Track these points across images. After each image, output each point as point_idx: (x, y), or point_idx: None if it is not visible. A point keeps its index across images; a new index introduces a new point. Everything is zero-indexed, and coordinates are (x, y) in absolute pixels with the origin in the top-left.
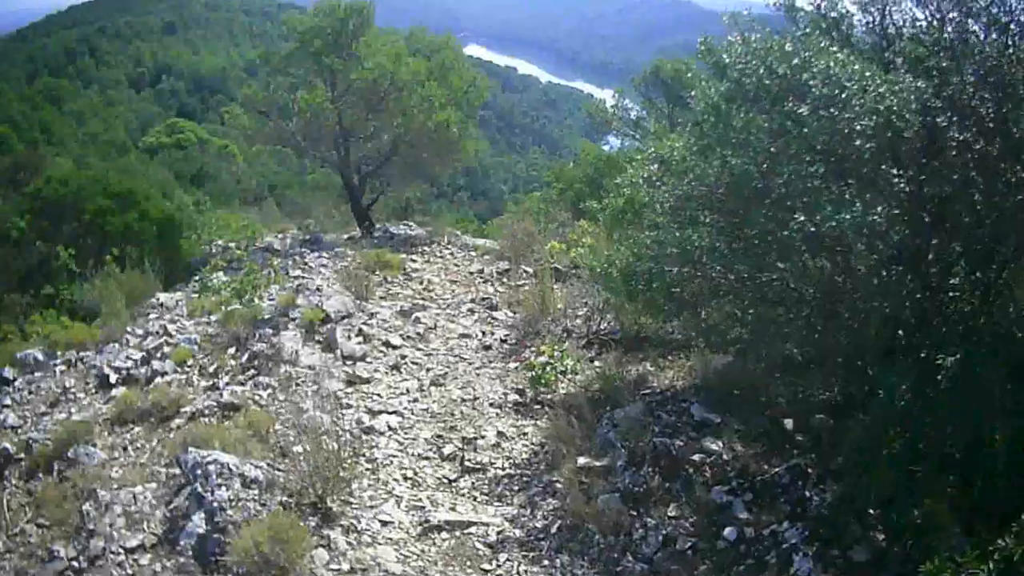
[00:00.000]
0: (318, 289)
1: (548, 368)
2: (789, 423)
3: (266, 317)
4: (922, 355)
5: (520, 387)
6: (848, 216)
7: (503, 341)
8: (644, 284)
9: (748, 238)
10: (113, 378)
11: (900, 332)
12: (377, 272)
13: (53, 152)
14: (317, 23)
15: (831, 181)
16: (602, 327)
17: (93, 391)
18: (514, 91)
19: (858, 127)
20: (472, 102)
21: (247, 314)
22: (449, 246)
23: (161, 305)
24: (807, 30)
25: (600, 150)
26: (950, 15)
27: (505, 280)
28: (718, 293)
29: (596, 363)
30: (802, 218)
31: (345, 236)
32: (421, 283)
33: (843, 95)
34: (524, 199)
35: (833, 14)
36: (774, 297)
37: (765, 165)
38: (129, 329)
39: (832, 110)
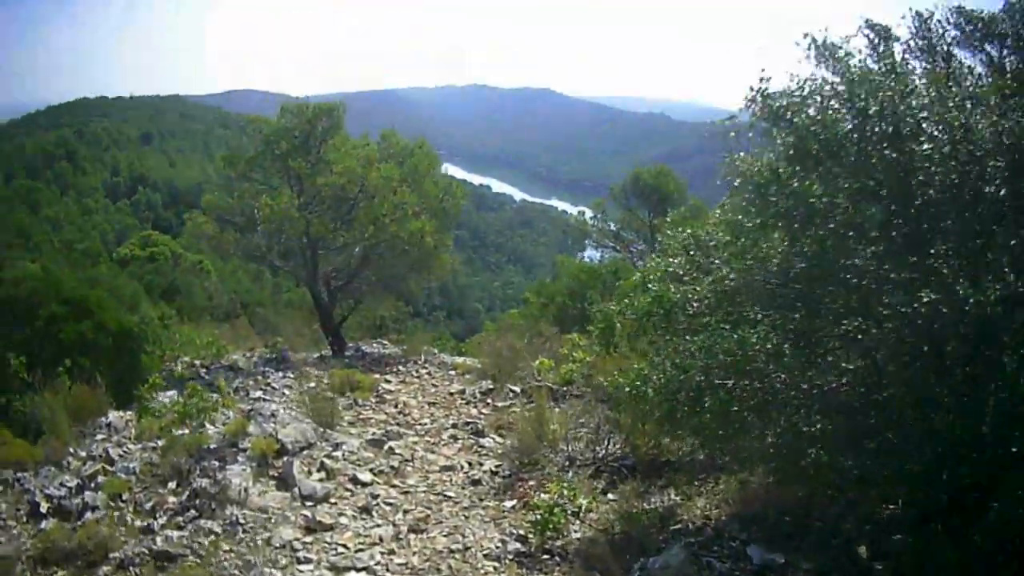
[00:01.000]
0: (273, 415)
1: (556, 509)
2: (862, 549)
3: (212, 447)
4: None
5: (522, 532)
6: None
7: (494, 473)
8: (690, 404)
9: (818, 336)
10: (44, 507)
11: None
12: (347, 394)
13: (29, 257)
14: (283, 125)
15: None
16: (610, 452)
17: (24, 519)
18: (488, 210)
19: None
20: (448, 211)
21: (191, 442)
22: (426, 365)
23: (108, 425)
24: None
25: (579, 263)
26: None
27: (490, 401)
28: (785, 407)
29: (610, 496)
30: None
31: (315, 355)
32: (396, 406)
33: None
34: (502, 317)
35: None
36: (851, 406)
37: (850, 237)
38: (72, 450)
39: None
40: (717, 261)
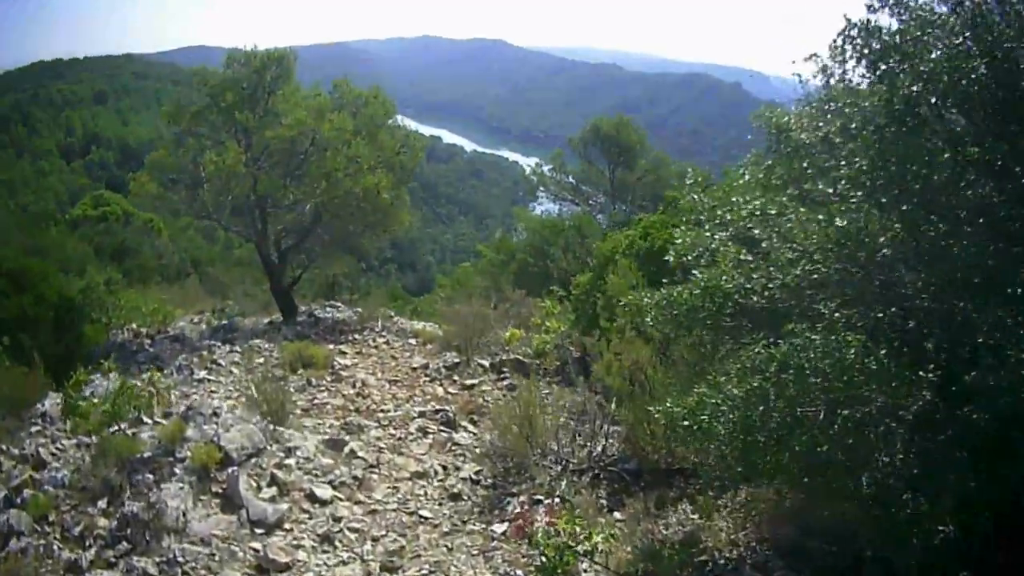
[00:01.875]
0: (215, 414)
1: (567, 551)
2: None
3: (146, 455)
4: None
5: (520, 571)
6: None
7: (475, 483)
8: (773, 445)
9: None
10: None
11: None
12: (299, 371)
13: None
14: (230, 75)
15: None
16: (607, 451)
17: None
18: (439, 161)
19: None
20: (405, 164)
21: (123, 447)
22: (384, 332)
23: (44, 415)
24: None
25: (541, 217)
26: None
27: (456, 378)
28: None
29: (617, 515)
30: None
31: (266, 320)
32: (354, 385)
33: None
34: (454, 270)
35: None
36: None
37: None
38: (3, 447)
39: None
40: (793, 244)
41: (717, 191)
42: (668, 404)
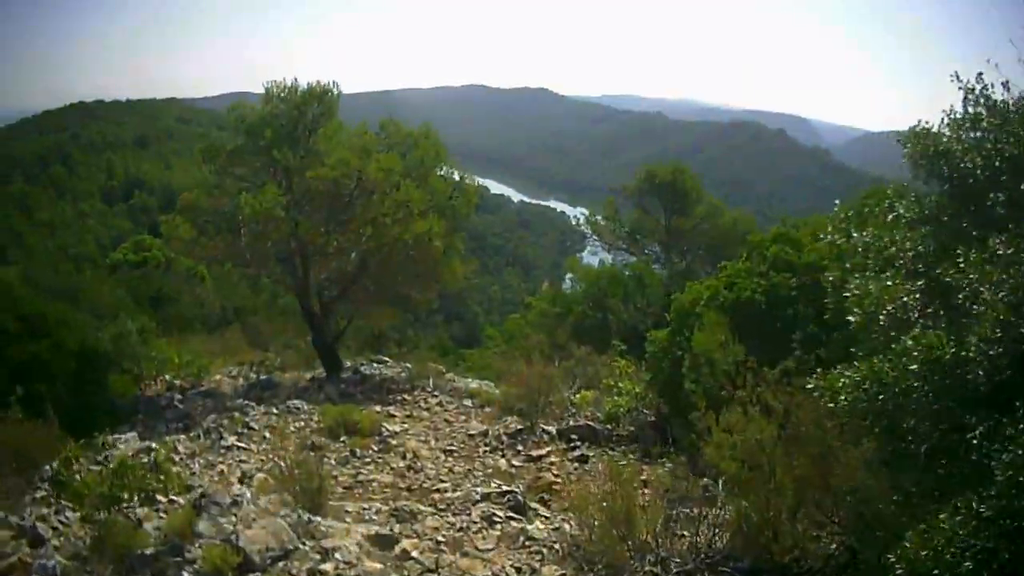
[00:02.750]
0: (234, 503)
1: None
2: None
3: (147, 552)
4: None
5: None
6: None
7: None
8: None
9: None
10: None
11: None
12: (342, 439)
13: (13, 261)
14: (269, 111)
15: None
16: (713, 546)
17: None
18: (486, 211)
19: None
20: (459, 210)
21: (121, 539)
22: (436, 392)
23: (52, 479)
24: None
25: (599, 267)
26: None
27: (520, 448)
28: None
29: None
30: None
31: (308, 376)
32: (404, 457)
33: None
34: (503, 323)
35: None
36: None
37: None
38: (2, 515)
39: None
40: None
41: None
42: (906, 544)
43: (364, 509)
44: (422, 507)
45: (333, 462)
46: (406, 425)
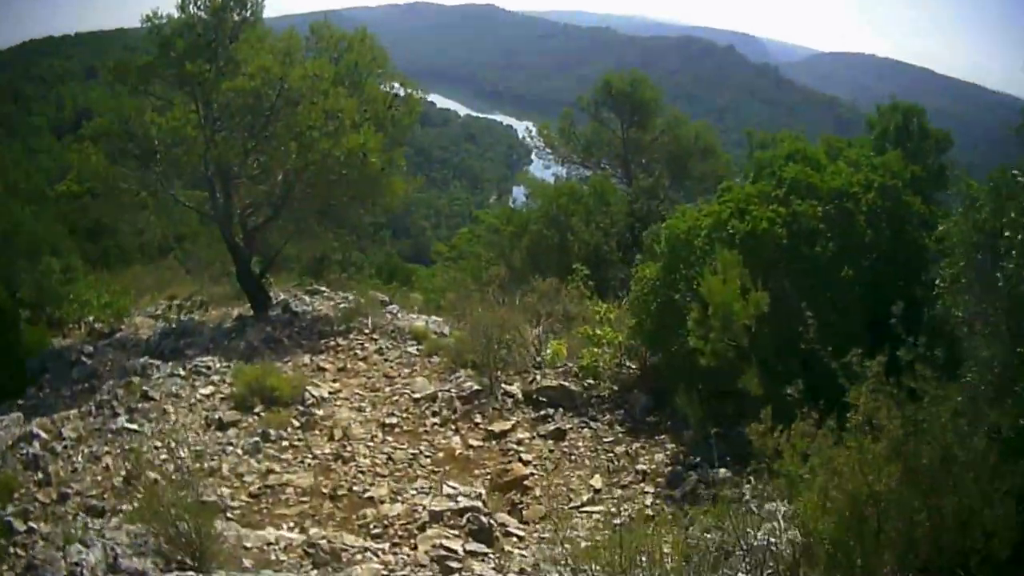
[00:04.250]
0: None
1: None
2: None
3: None
4: None
5: None
6: None
7: None
8: None
9: None
10: None
11: None
12: (256, 410)
13: None
14: (184, 20)
15: None
16: None
17: None
18: (432, 125)
19: None
20: (400, 121)
21: None
22: (375, 334)
23: None
24: None
25: (559, 183)
26: None
27: (478, 419)
28: None
29: None
30: None
31: (235, 313)
32: (332, 437)
33: None
34: (453, 237)
35: None
36: None
37: None
38: None
39: None
40: None
41: None
42: None
43: (269, 545)
44: (348, 538)
45: (240, 451)
46: (337, 384)
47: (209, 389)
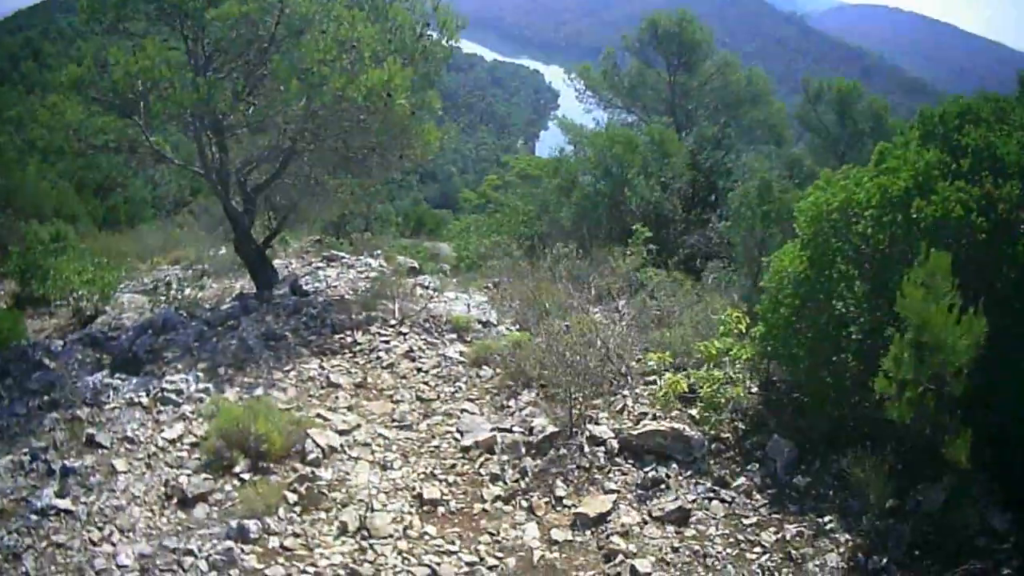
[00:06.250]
0: None
1: None
2: None
3: None
4: None
5: None
6: None
7: None
8: None
9: None
10: None
11: None
12: (237, 471)
13: None
14: None
15: None
16: None
17: None
18: (458, 70)
19: None
20: (431, 55)
21: None
22: (404, 326)
23: None
24: None
25: (612, 129)
26: None
27: (560, 487)
28: None
29: None
30: None
31: (233, 293)
32: (343, 528)
33: None
34: (481, 184)
35: None
36: None
37: None
38: None
39: None
40: None
41: None
42: None
43: None
44: None
45: (203, 566)
46: (352, 416)
47: (177, 430)
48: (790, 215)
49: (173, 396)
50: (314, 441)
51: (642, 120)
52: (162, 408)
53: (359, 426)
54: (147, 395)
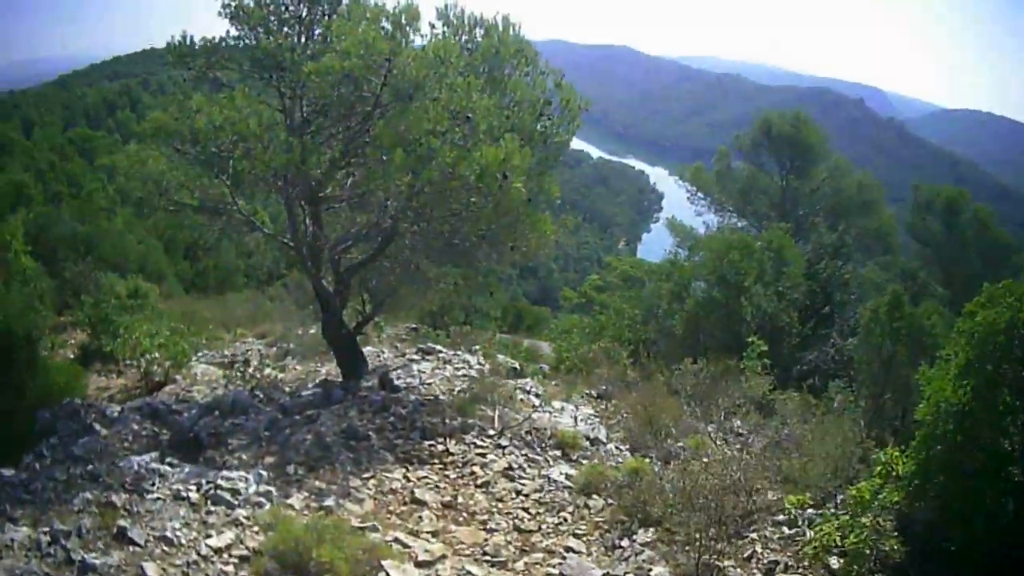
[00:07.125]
0: None
1: None
2: None
3: None
4: None
5: None
6: None
7: None
8: None
9: None
10: None
11: None
12: None
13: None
14: None
15: None
16: None
17: None
18: (564, 164)
19: None
20: (551, 137)
21: None
22: (504, 438)
23: None
24: None
25: (726, 235)
26: None
27: None
28: None
29: None
30: None
31: (317, 378)
32: None
33: None
34: (582, 283)
35: None
36: None
37: None
38: None
39: None
40: None
41: None
42: None
43: None
44: None
45: None
46: (437, 543)
47: (226, 538)
48: (922, 332)
49: (228, 496)
50: (389, 572)
51: (752, 226)
52: (213, 508)
53: (444, 557)
54: (197, 489)
